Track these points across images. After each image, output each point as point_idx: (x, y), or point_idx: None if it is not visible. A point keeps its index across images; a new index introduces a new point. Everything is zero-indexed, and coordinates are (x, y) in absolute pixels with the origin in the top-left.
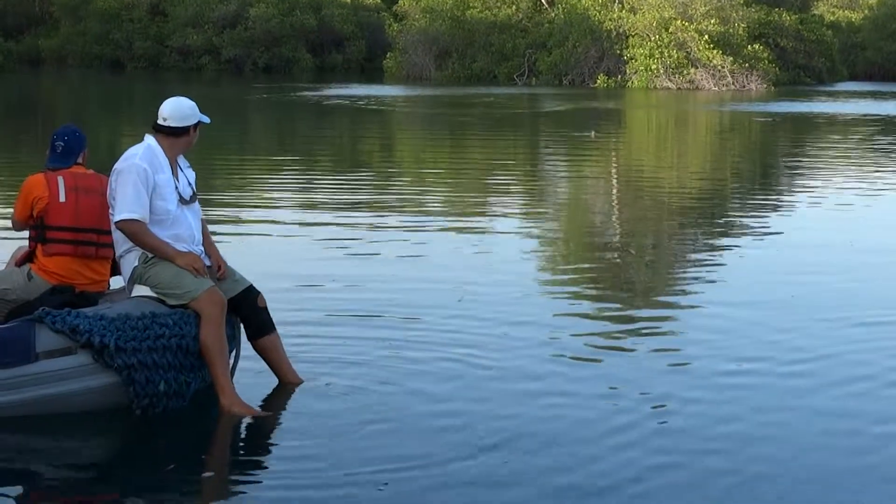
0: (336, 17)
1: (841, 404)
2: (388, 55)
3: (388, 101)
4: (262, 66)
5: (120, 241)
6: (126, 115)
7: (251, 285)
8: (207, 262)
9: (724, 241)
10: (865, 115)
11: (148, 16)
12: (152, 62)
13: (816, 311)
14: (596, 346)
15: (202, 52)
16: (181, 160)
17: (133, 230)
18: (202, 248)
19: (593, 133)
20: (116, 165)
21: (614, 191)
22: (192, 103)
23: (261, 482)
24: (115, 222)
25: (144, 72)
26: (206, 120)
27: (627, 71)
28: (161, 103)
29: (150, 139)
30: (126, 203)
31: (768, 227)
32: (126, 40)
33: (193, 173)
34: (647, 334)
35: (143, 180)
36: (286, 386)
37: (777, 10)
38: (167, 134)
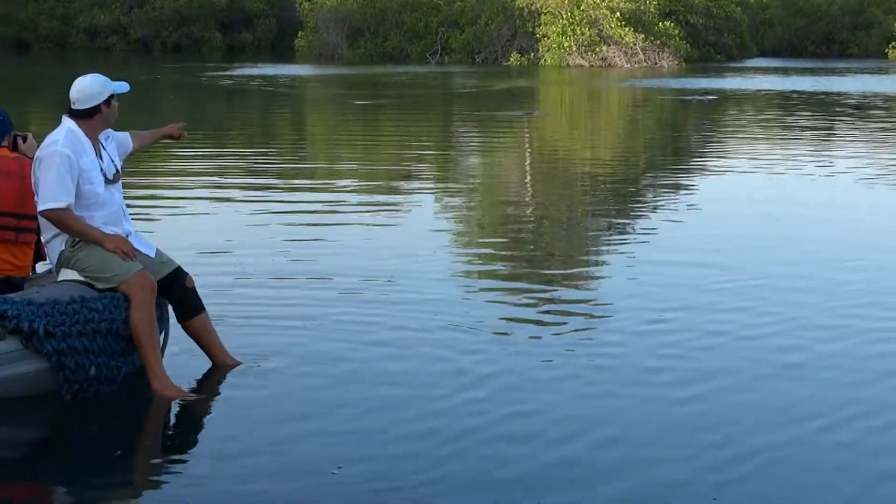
0: None
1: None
2: (299, 34)
3: (299, 80)
4: (171, 45)
5: (46, 227)
6: (35, 96)
7: (179, 266)
8: (137, 246)
9: (637, 210)
10: (759, 91)
11: None
12: (59, 43)
13: (727, 276)
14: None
15: (109, 32)
16: (104, 131)
17: (58, 218)
18: (131, 229)
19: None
20: (38, 153)
21: (529, 165)
22: (102, 79)
23: (193, 462)
24: (40, 212)
25: (51, 52)
26: (124, 88)
27: (540, 49)
28: (70, 85)
29: (68, 122)
30: (49, 191)
31: (679, 196)
32: (31, 21)
33: (115, 144)
34: (566, 299)
35: (67, 167)
36: (219, 368)
37: None
38: (81, 116)
